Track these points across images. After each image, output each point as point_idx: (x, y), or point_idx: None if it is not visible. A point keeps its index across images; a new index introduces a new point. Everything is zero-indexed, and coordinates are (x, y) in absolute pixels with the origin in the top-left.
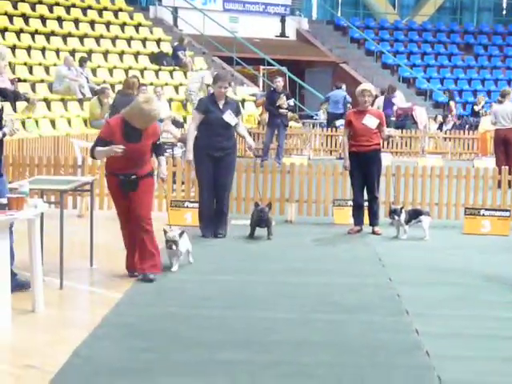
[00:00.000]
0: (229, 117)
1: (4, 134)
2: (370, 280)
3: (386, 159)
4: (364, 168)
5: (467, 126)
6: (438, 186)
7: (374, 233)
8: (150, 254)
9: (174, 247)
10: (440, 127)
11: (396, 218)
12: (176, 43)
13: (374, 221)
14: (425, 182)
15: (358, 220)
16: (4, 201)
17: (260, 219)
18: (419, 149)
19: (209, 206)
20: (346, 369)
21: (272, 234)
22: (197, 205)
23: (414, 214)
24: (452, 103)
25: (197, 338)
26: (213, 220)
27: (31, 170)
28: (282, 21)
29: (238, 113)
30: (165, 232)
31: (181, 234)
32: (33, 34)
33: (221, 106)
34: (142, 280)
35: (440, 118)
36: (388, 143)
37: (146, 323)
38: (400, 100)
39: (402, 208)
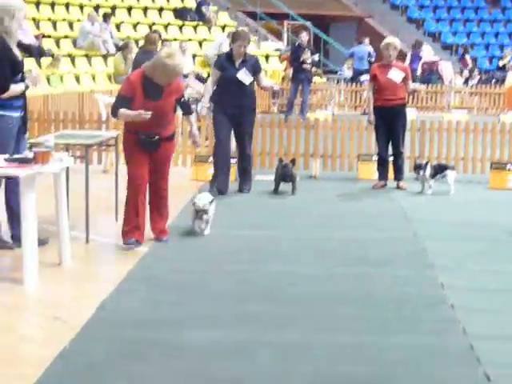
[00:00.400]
0: (243, 75)
1: (27, 87)
2: (395, 234)
3: (411, 114)
4: (389, 122)
5: (493, 81)
6: (464, 141)
7: (398, 187)
8: (164, 217)
9: (204, 217)
10: (466, 82)
11: (421, 172)
12: None
13: (398, 176)
14: (450, 136)
15: (383, 175)
16: (30, 155)
17: (284, 174)
18: (445, 104)
19: (224, 160)
20: (370, 322)
21: (296, 189)
22: (232, 160)
23: (440, 169)
24: (467, 57)
25: (222, 291)
26: (228, 176)
27: (56, 126)
28: None
29: (256, 70)
30: (194, 202)
31: (211, 202)
32: None
33: (237, 65)
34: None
35: (466, 73)
36: (413, 98)
37: (172, 277)
38: (428, 53)
39: (427, 163)
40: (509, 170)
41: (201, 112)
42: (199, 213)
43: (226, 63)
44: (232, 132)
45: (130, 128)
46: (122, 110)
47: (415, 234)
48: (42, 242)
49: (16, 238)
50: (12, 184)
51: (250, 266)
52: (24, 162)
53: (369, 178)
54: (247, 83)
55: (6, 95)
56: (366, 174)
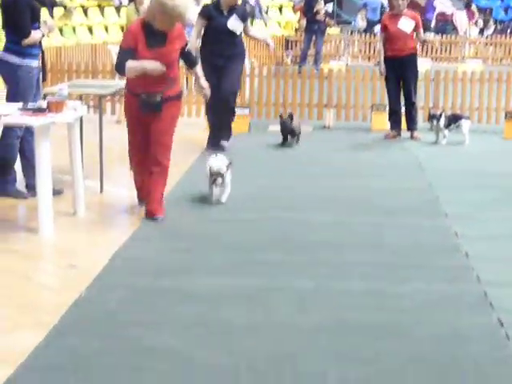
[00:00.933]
0: (233, 23)
1: (43, 35)
2: (409, 184)
3: (426, 64)
4: (399, 73)
5: (508, 31)
6: (479, 91)
7: (412, 138)
8: (159, 195)
9: (219, 181)
10: (481, 32)
11: (435, 122)
12: None
13: (412, 126)
14: (465, 86)
15: (394, 125)
16: (44, 104)
17: (285, 130)
18: (459, 54)
19: (214, 119)
20: (382, 269)
21: (298, 141)
22: (245, 111)
23: (454, 119)
24: (473, 7)
25: (235, 239)
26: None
27: (69, 76)
28: None
29: (244, 18)
30: (209, 164)
31: (228, 166)
32: None
33: (225, 13)
34: (148, 219)
35: (480, 23)
36: (428, 49)
37: (185, 226)
38: (442, 4)
39: (441, 113)
40: None
41: None
42: (214, 177)
43: (214, 12)
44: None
45: (132, 87)
46: (133, 63)
47: (429, 183)
48: (56, 192)
49: (31, 188)
50: (27, 133)
51: (262, 214)
52: (38, 111)
53: (382, 128)
54: (238, 32)
55: (26, 41)
56: (380, 124)
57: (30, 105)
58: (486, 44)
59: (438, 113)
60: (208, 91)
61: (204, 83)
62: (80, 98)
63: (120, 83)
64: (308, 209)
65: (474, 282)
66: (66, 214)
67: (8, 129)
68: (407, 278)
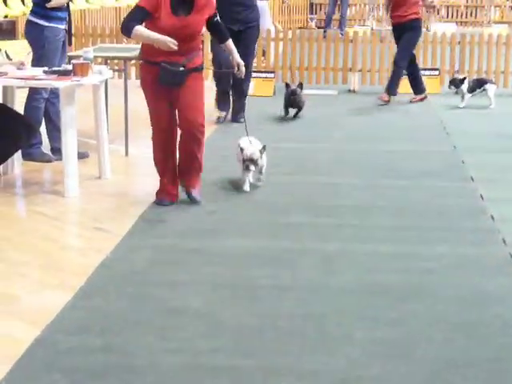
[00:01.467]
0: None
1: None
2: (434, 147)
3: (451, 29)
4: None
5: None
6: (505, 55)
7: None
8: (197, 170)
9: (252, 168)
10: None
11: (454, 87)
12: None
13: (388, 88)
14: (491, 50)
15: (415, 89)
16: (69, 67)
17: (291, 101)
18: (485, 18)
19: (225, 87)
20: (408, 231)
21: (299, 114)
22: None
23: (478, 84)
24: None
25: (262, 201)
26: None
27: (94, 41)
28: None
29: None
30: (241, 149)
31: (262, 150)
32: None
33: None
34: (188, 198)
35: None
36: (453, 13)
37: (213, 188)
38: None
39: (463, 78)
40: None
41: None
42: (247, 163)
43: None
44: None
45: (148, 56)
46: (140, 28)
47: (455, 146)
48: (82, 156)
49: (56, 151)
50: (52, 96)
51: (290, 177)
52: (63, 74)
53: (407, 91)
54: None
55: (52, 3)
56: (405, 88)
57: (56, 68)
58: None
59: (460, 77)
60: (243, 69)
61: (239, 59)
62: (105, 61)
63: None
64: (333, 172)
65: (500, 244)
66: (91, 178)
67: (33, 91)
68: (433, 240)
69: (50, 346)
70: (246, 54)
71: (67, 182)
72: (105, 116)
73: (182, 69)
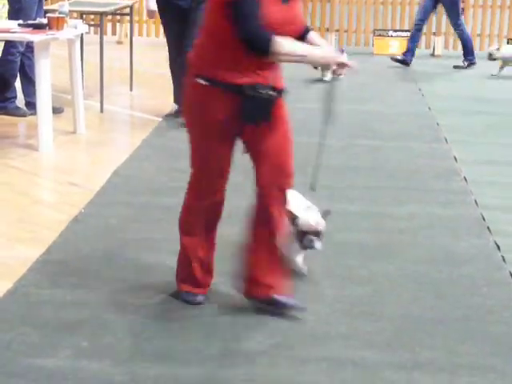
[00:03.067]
0: None
1: None
2: (409, 109)
3: None
4: None
5: None
6: (481, 17)
7: None
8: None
9: (313, 241)
10: None
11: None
12: None
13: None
14: (467, 12)
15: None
16: (44, 21)
17: None
18: None
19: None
20: (383, 191)
21: None
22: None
23: None
24: None
25: (238, 162)
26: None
27: None
28: None
29: None
30: (293, 217)
31: (325, 215)
32: None
33: None
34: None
35: None
36: None
37: (185, 146)
38: None
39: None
40: None
41: (146, 6)
42: (306, 237)
43: None
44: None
45: (218, 72)
46: (295, 46)
47: (429, 108)
48: (57, 111)
49: (31, 106)
50: (27, 50)
51: None
52: (38, 27)
53: (384, 53)
54: None
55: None
56: (382, 49)
57: (31, 21)
58: None
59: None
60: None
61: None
62: (81, 16)
63: (121, 2)
64: (307, 133)
65: (472, 206)
66: (66, 133)
67: (8, 45)
68: (405, 200)
69: (22, 298)
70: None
71: (41, 136)
72: (80, 71)
73: (272, 93)
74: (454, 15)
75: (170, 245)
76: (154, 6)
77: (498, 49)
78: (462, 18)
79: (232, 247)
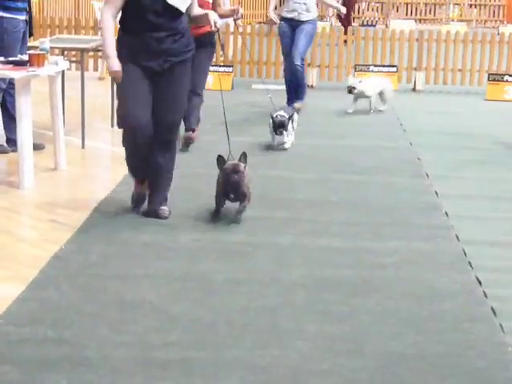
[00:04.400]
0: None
1: None
2: (390, 143)
3: (410, 25)
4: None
5: None
6: (462, 52)
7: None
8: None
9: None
10: None
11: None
12: None
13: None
14: (448, 47)
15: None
16: (25, 57)
17: (229, 187)
18: (443, 16)
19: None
20: (363, 227)
21: (242, 212)
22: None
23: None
24: None
25: (212, 191)
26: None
27: (52, 31)
28: None
29: None
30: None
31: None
32: None
33: None
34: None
35: None
36: (412, 10)
37: None
38: None
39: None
40: (506, 81)
41: (110, 67)
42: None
43: None
44: None
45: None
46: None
47: (411, 143)
48: (38, 147)
49: (12, 142)
50: (10, 87)
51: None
52: (19, 64)
53: None
54: (183, 9)
55: None
56: None
57: (11, 58)
58: (471, 6)
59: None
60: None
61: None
62: (62, 53)
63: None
64: (290, 166)
65: (453, 241)
66: (47, 169)
67: None
68: (387, 236)
69: (2, 337)
70: (174, 110)
71: (22, 173)
72: (61, 107)
73: None
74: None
75: (150, 281)
76: (116, 66)
77: (360, 81)
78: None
79: None
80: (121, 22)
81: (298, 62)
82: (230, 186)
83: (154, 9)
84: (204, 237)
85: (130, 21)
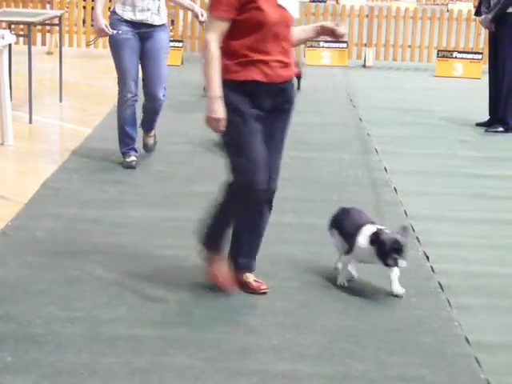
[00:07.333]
0: None
1: None
2: (340, 119)
3: (360, 1)
4: None
5: None
6: (412, 29)
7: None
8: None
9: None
10: None
11: None
12: None
13: None
14: (398, 23)
15: None
16: None
17: None
18: None
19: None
20: (313, 203)
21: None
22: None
23: None
24: None
25: (165, 172)
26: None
27: None
28: None
29: None
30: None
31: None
32: None
33: None
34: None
35: None
36: None
37: (115, 158)
38: None
39: None
40: (455, 57)
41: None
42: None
43: None
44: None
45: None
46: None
47: (360, 119)
48: None
49: None
50: None
51: (193, 148)
52: None
53: (317, 63)
54: None
55: None
56: (314, 59)
57: None
58: None
59: None
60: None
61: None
62: (9, 26)
63: (50, 12)
64: None
65: (402, 216)
66: None
67: None
68: None
69: None
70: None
71: None
72: (7, 82)
73: None
74: None
75: (99, 257)
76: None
77: None
78: None
79: None
80: None
81: (161, 95)
82: None
83: None
84: (153, 213)
85: None
